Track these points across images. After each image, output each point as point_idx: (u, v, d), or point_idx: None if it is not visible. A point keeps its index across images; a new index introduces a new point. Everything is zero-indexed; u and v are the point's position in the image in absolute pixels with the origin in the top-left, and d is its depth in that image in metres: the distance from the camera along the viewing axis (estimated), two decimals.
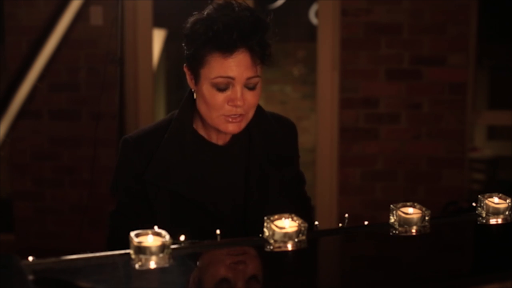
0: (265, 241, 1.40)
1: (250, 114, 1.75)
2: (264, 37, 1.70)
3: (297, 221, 1.41)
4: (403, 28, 3.91)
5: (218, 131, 1.77)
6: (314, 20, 5.96)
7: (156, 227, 1.35)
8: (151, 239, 1.32)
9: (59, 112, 4.11)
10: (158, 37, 5.40)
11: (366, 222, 1.58)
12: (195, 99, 1.78)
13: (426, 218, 1.50)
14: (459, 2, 3.87)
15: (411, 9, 3.89)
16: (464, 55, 3.91)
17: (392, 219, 1.51)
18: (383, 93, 3.96)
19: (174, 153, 1.77)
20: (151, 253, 1.29)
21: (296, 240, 1.39)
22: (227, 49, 1.66)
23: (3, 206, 4.56)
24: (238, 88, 1.69)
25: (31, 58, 1.12)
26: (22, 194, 4.19)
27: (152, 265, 1.28)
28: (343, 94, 4.00)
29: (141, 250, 1.29)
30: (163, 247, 1.30)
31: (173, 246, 1.34)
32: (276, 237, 1.39)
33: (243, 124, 1.74)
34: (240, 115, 1.71)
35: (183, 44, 1.75)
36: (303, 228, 1.40)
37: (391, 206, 1.52)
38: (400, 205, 1.53)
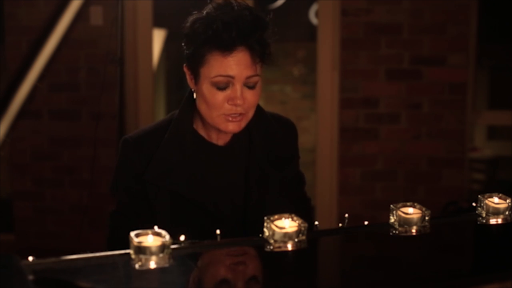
0: (265, 241, 1.40)
1: (250, 113, 1.75)
2: (264, 36, 1.70)
3: (297, 221, 1.41)
4: (403, 28, 3.91)
5: (218, 131, 1.77)
6: (314, 20, 5.96)
7: (156, 227, 1.35)
8: (151, 239, 1.32)
9: (59, 112, 4.11)
10: (158, 37, 5.40)
11: (366, 222, 1.58)
12: (195, 99, 1.78)
13: (426, 218, 1.50)
14: (459, 2, 3.87)
15: (411, 9, 3.89)
16: (464, 55, 3.91)
17: (392, 219, 1.51)
18: (383, 93, 3.96)
19: (174, 153, 1.77)
20: (151, 253, 1.29)
21: (296, 240, 1.39)
22: (227, 48, 1.66)
23: (3, 206, 4.56)
24: (238, 87, 1.69)
25: (31, 58, 1.12)
26: (22, 194, 4.19)
27: (152, 265, 1.28)
28: (343, 94, 4.00)
29: (141, 250, 1.29)
30: (163, 247, 1.30)
31: (173, 246, 1.34)
32: (276, 237, 1.39)
33: (243, 124, 1.74)
34: (240, 114, 1.71)
35: (183, 44, 1.75)
36: (303, 228, 1.40)
37: (391, 206, 1.52)
38: (400, 205, 1.53)
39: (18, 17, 4.02)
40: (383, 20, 3.91)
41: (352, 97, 3.99)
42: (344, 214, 1.64)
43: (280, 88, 6.47)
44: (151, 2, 4.09)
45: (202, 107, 1.75)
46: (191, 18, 1.72)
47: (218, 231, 1.44)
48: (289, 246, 1.38)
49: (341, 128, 4.02)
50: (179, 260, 1.33)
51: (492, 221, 1.56)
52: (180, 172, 1.76)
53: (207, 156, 1.80)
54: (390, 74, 3.95)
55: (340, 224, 1.61)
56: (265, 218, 1.42)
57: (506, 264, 1.36)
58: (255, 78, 1.71)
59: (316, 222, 1.62)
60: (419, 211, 1.51)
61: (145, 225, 1.41)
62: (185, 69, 1.78)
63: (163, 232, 1.33)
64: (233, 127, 1.73)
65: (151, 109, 4.16)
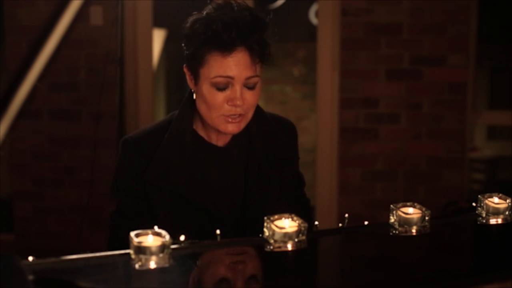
0: (265, 241, 1.40)
1: (250, 114, 1.75)
2: (263, 36, 1.70)
3: (297, 221, 1.41)
4: (403, 28, 3.91)
5: (218, 131, 1.77)
6: (314, 20, 5.96)
7: (156, 227, 1.35)
8: (151, 239, 1.32)
9: (59, 112, 4.11)
10: (158, 37, 5.40)
11: (366, 222, 1.58)
12: (195, 100, 1.78)
13: (426, 218, 1.50)
14: (459, 2, 3.87)
15: (411, 9, 3.89)
16: (464, 55, 3.91)
17: (392, 219, 1.51)
18: (383, 93, 3.96)
19: (174, 154, 1.77)
20: (151, 253, 1.29)
21: (296, 240, 1.39)
22: (226, 48, 1.66)
23: (3, 206, 4.56)
24: (238, 87, 1.69)
25: (31, 58, 1.12)
26: (22, 194, 4.20)
27: (152, 265, 1.28)
28: (343, 94, 4.00)
29: (141, 250, 1.29)
30: (163, 247, 1.30)
31: (173, 246, 1.34)
32: (276, 237, 1.39)
33: (242, 125, 1.74)
34: (240, 115, 1.71)
35: (182, 44, 1.75)
36: (303, 228, 1.40)
37: (391, 206, 1.52)
38: (400, 205, 1.53)
39: (18, 17, 4.02)
40: (383, 20, 3.91)
41: (352, 97, 3.99)
42: (344, 214, 1.64)
43: (280, 88, 6.47)
44: (151, 2, 4.09)
45: (202, 107, 1.75)
46: (191, 19, 1.72)
47: (218, 231, 1.44)
48: (289, 246, 1.38)
49: (341, 128, 4.02)
50: (179, 260, 1.33)
51: (492, 221, 1.56)
52: (179, 173, 1.76)
53: (206, 157, 1.80)
54: (390, 74, 3.95)
55: (340, 224, 1.61)
56: (265, 218, 1.42)
57: (506, 264, 1.36)
58: (255, 79, 1.71)
59: (316, 222, 1.62)
60: (419, 211, 1.51)
61: (145, 225, 1.41)
62: (185, 70, 1.78)
63: (163, 232, 1.33)
64: (233, 128, 1.73)
65: (151, 109, 4.16)
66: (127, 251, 1.31)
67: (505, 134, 5.49)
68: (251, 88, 1.71)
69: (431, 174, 3.99)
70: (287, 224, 1.41)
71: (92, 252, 1.34)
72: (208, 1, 1.75)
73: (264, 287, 1.28)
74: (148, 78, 4.12)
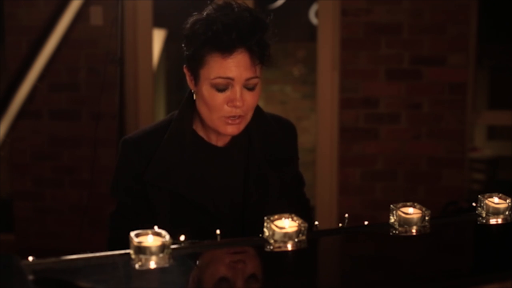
0: (265, 241, 1.40)
1: (249, 115, 1.75)
2: (264, 38, 1.70)
3: (297, 221, 1.41)
4: (403, 28, 3.91)
5: (218, 132, 1.77)
6: (314, 20, 5.96)
7: (156, 227, 1.35)
8: (151, 239, 1.32)
9: (59, 112, 4.11)
10: (158, 37, 5.40)
11: (366, 222, 1.58)
12: (195, 100, 1.78)
13: (426, 218, 1.50)
14: (459, 2, 3.87)
15: (411, 9, 3.89)
16: (464, 55, 3.91)
17: (392, 219, 1.51)
18: (383, 93, 3.96)
19: (174, 154, 1.77)
20: (151, 253, 1.29)
21: (296, 240, 1.39)
22: (226, 49, 1.66)
23: (3, 206, 4.56)
24: (238, 88, 1.69)
25: (31, 58, 1.12)
26: (22, 194, 4.20)
27: (152, 265, 1.28)
28: (343, 94, 4.00)
29: (141, 250, 1.29)
30: (163, 247, 1.30)
31: (173, 246, 1.34)
32: (276, 237, 1.39)
33: (242, 126, 1.74)
34: (240, 116, 1.71)
35: (182, 45, 1.75)
36: (303, 228, 1.40)
37: (391, 206, 1.52)
38: (400, 205, 1.53)
39: (18, 17, 4.02)
40: (383, 20, 3.91)
41: (352, 97, 3.99)
42: (344, 214, 1.64)
43: (280, 88, 6.46)
44: (151, 2, 4.09)
45: (201, 108, 1.75)
46: (191, 19, 1.72)
47: (218, 231, 1.44)
48: (289, 246, 1.38)
49: (341, 128, 4.02)
50: (179, 260, 1.33)
51: (492, 221, 1.56)
52: (179, 173, 1.76)
53: (206, 157, 1.80)
54: (390, 74, 3.95)
55: (340, 224, 1.61)
56: (265, 218, 1.42)
57: (506, 264, 1.36)
58: (255, 80, 1.71)
59: (316, 222, 1.62)
60: (419, 211, 1.51)
61: (145, 225, 1.41)
62: (185, 70, 1.78)
63: (163, 232, 1.33)
64: (232, 129, 1.73)
65: (151, 109, 4.16)
66: (127, 251, 1.31)
67: (505, 134, 5.49)
68: (251, 89, 1.71)
69: (431, 174, 3.99)
70: (287, 224, 1.41)
71: (92, 252, 1.34)
72: (208, 2, 1.74)
73: (264, 287, 1.28)
74: (148, 78, 4.12)
